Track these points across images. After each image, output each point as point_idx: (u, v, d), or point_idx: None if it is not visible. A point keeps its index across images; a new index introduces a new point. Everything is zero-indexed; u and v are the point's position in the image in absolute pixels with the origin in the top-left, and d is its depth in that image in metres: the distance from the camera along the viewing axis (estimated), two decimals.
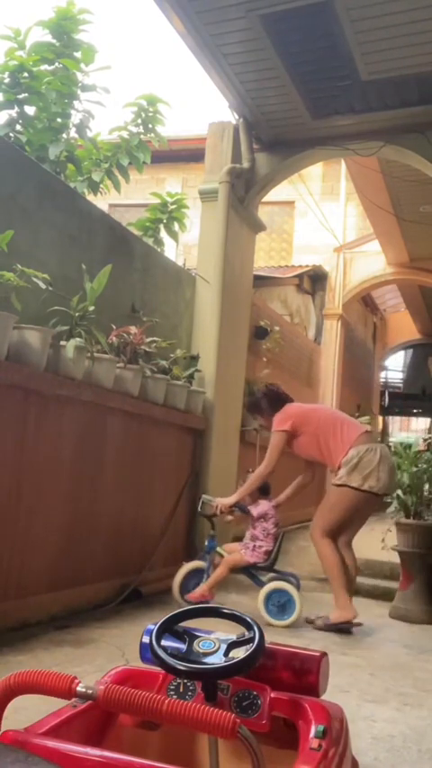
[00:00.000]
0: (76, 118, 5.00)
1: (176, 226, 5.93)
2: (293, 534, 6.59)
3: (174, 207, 5.87)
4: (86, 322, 4.01)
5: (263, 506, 4.43)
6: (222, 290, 5.84)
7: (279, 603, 4.22)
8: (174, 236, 5.92)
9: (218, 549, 4.45)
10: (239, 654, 1.39)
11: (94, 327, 4.05)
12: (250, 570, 4.40)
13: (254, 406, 4.77)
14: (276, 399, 4.54)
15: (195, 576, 4.42)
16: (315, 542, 4.31)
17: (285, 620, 4.16)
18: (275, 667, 1.57)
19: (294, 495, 4.70)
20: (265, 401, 4.57)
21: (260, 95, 5.59)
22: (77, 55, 4.91)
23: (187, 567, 4.46)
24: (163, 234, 5.92)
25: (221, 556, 4.42)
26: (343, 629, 4.11)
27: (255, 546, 4.34)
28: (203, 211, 6.10)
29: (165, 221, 5.88)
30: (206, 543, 4.48)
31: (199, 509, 4.71)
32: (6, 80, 4.66)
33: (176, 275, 5.81)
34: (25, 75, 4.66)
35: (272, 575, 4.44)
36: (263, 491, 4.52)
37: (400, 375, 18.19)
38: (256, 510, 4.40)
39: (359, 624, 4.17)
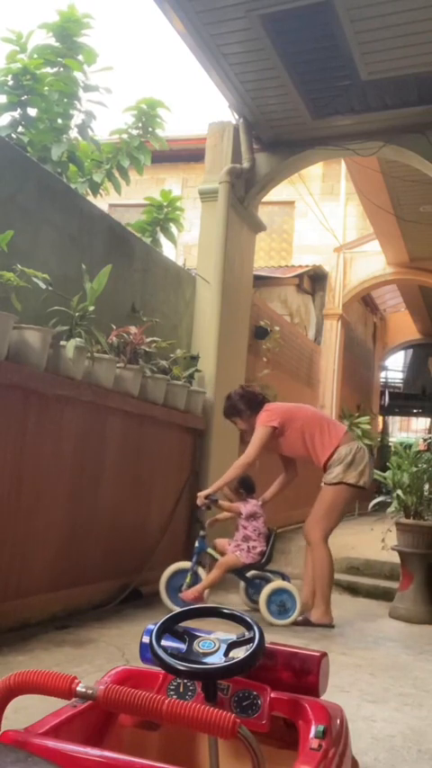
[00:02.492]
0: (78, 118, 5.01)
1: (173, 228, 5.93)
2: (293, 534, 6.59)
3: (169, 209, 5.86)
4: (86, 322, 4.01)
5: (251, 506, 4.40)
6: (222, 290, 5.84)
7: (280, 603, 4.22)
8: (171, 238, 5.92)
9: (209, 550, 4.42)
10: (239, 654, 1.39)
11: (94, 327, 4.05)
12: (240, 570, 4.40)
13: (232, 410, 4.59)
14: (254, 400, 4.53)
15: (181, 577, 4.38)
16: (314, 545, 4.32)
17: (286, 620, 4.16)
18: (275, 667, 1.57)
19: (279, 493, 4.72)
20: (243, 402, 4.53)
21: (260, 95, 5.59)
22: (80, 58, 4.92)
23: (173, 567, 4.42)
24: (161, 236, 5.92)
25: (213, 558, 4.39)
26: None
27: (249, 547, 4.31)
28: (203, 211, 6.10)
29: (161, 223, 5.87)
30: (196, 544, 4.42)
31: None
32: (10, 82, 4.68)
33: (176, 275, 5.81)
34: (28, 77, 4.67)
35: (254, 571, 4.45)
36: (248, 489, 4.49)
37: (400, 375, 18.20)
38: (245, 509, 4.37)
39: (332, 626, 4.22)
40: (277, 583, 4.30)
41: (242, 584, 4.58)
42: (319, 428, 4.38)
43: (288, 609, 4.21)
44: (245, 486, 4.47)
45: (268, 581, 4.42)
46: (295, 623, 4.16)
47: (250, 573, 4.46)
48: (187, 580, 4.31)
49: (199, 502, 4.34)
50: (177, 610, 1.53)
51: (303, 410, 4.57)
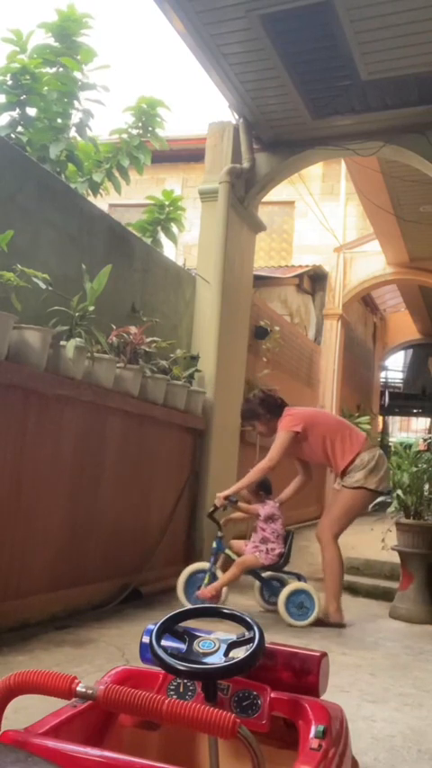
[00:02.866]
0: (76, 117, 5.01)
1: (174, 227, 5.93)
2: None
3: (170, 209, 5.86)
4: (86, 322, 4.01)
5: (270, 507, 4.39)
6: (222, 290, 5.84)
7: (298, 604, 4.23)
8: (172, 237, 5.91)
9: (226, 551, 4.39)
10: (239, 654, 1.39)
11: (94, 327, 4.05)
12: (257, 570, 4.39)
13: (251, 413, 4.66)
14: (274, 404, 4.56)
15: (198, 578, 4.38)
16: (324, 545, 4.37)
17: (305, 621, 4.17)
18: (275, 667, 1.57)
19: (295, 495, 4.74)
20: (263, 407, 4.55)
21: (260, 95, 5.58)
22: (78, 57, 4.92)
23: (191, 568, 4.43)
24: (162, 236, 5.92)
25: (230, 559, 4.37)
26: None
27: (268, 549, 4.31)
28: (203, 211, 6.10)
29: (162, 222, 5.87)
30: (213, 545, 4.40)
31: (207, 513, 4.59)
32: (9, 82, 4.68)
33: (176, 275, 5.81)
34: (27, 76, 4.67)
35: (269, 572, 4.44)
36: (267, 491, 4.49)
37: (400, 375, 18.21)
38: (263, 510, 4.37)
39: (343, 626, 4.27)
40: (296, 584, 4.30)
41: (257, 584, 4.57)
42: (341, 435, 4.42)
43: (307, 610, 4.21)
44: (264, 488, 4.47)
45: (283, 582, 4.44)
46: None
47: (266, 573, 4.46)
48: (205, 581, 4.30)
49: (218, 502, 4.32)
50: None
51: (325, 416, 4.68)
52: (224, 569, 4.35)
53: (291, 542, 4.41)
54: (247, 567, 4.30)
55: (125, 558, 4.56)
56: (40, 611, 3.74)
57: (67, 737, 1.24)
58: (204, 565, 4.41)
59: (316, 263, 10.33)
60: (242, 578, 4.38)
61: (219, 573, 4.34)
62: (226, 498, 4.30)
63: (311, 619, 4.17)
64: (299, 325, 9.97)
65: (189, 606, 4.16)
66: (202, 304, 6.00)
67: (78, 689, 1.11)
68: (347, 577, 5.61)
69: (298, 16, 4.56)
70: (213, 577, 4.31)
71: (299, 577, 4.45)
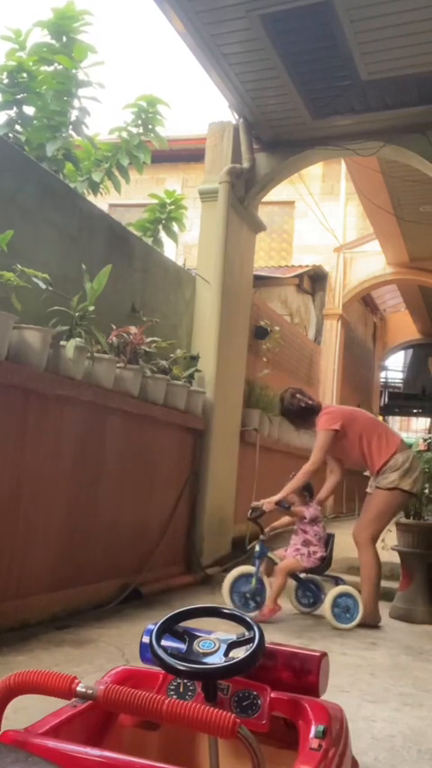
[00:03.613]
0: (73, 115, 5.00)
1: (175, 226, 5.93)
2: None
3: (172, 207, 5.87)
4: (86, 322, 4.01)
5: (314, 509, 4.38)
6: (222, 290, 5.84)
7: (344, 607, 4.23)
8: (173, 236, 5.92)
9: (269, 554, 4.35)
10: (239, 654, 1.39)
11: (94, 327, 4.05)
12: (297, 574, 4.39)
13: (292, 412, 4.67)
14: (311, 408, 4.57)
15: (243, 582, 4.32)
16: (363, 548, 4.39)
17: (350, 624, 4.18)
18: (275, 667, 1.57)
19: (331, 494, 4.79)
20: (304, 406, 4.57)
21: (260, 95, 5.58)
22: (74, 55, 4.91)
23: (235, 572, 4.35)
24: (162, 234, 5.92)
25: (273, 562, 4.34)
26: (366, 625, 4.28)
27: (310, 552, 4.30)
28: (203, 211, 6.10)
29: (164, 221, 5.88)
30: (256, 549, 4.35)
31: (248, 515, 4.50)
32: (5, 81, 4.67)
33: (176, 275, 5.81)
34: (23, 75, 4.66)
35: (305, 574, 4.43)
36: (310, 493, 4.49)
37: (400, 375, 18.23)
38: (309, 513, 4.36)
39: (378, 627, 4.31)
40: (343, 587, 4.29)
41: (293, 586, 4.55)
42: (377, 434, 4.45)
43: (351, 612, 4.22)
44: (307, 490, 4.48)
45: (318, 585, 4.45)
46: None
47: (303, 575, 4.45)
48: (252, 585, 4.26)
49: (267, 508, 4.28)
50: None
51: (362, 414, 4.67)
52: (267, 572, 4.33)
53: (332, 546, 4.39)
54: (290, 572, 4.30)
55: (125, 558, 4.56)
56: (40, 611, 3.74)
57: (67, 737, 1.25)
58: (249, 569, 4.33)
59: (316, 263, 10.33)
60: (271, 581, 4.34)
61: (264, 577, 4.30)
62: (277, 504, 4.27)
63: (356, 621, 4.18)
64: (299, 325, 9.97)
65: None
66: (202, 304, 6.00)
67: (78, 689, 1.11)
68: (348, 577, 5.60)
69: (298, 16, 4.56)
70: (259, 581, 4.27)
71: (336, 581, 4.41)
